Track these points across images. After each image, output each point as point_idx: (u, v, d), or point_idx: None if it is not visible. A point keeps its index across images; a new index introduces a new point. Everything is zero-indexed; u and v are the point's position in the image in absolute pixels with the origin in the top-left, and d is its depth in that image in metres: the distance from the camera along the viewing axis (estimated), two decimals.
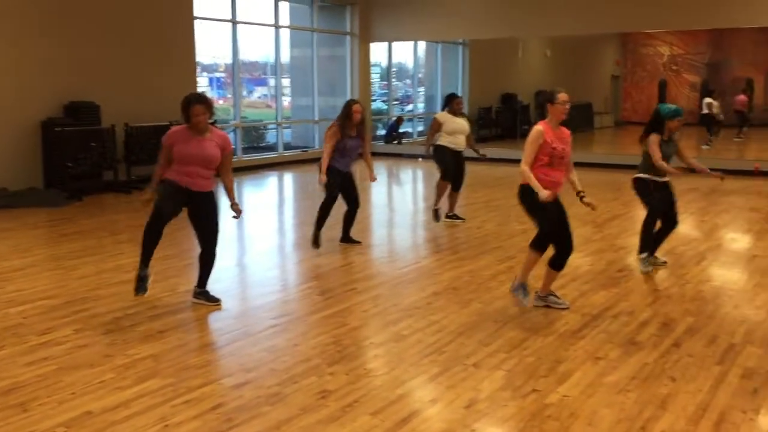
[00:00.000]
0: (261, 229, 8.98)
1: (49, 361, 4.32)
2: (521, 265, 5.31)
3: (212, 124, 13.42)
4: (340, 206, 7.26)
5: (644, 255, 6.26)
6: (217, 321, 5.18)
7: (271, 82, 16.29)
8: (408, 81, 20.84)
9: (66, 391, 3.90)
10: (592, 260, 6.86)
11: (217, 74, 18.54)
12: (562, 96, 4.92)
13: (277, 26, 15.37)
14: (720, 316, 5.20)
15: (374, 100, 19.18)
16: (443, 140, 8.38)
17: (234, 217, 5.45)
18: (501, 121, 20.50)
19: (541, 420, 3.58)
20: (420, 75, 20.73)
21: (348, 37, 17.11)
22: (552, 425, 3.52)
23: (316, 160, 7.99)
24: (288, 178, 13.83)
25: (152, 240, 5.19)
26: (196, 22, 13.11)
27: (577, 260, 6.77)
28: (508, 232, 8.10)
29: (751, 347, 4.55)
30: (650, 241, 6.35)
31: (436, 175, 8.67)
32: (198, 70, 14.45)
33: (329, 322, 5.10)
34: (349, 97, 17.11)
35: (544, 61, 22.71)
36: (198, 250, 5.42)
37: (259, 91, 20.47)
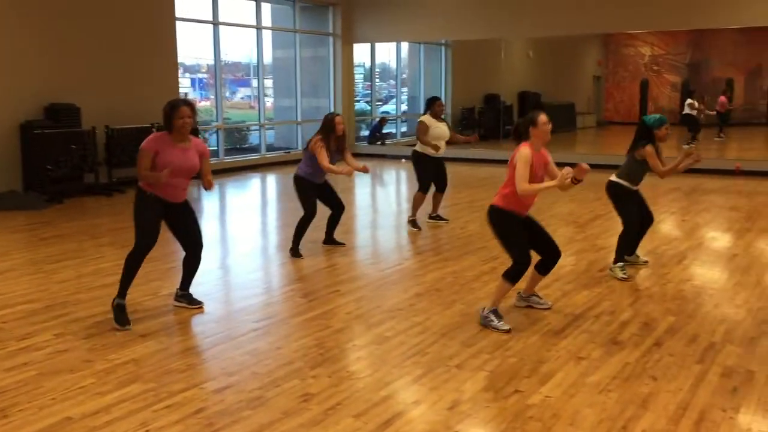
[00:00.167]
0: (244, 231, 8.94)
1: (29, 367, 4.28)
2: (491, 294, 5.16)
3: (194, 131, 13.38)
4: (324, 209, 7.24)
5: (620, 264, 6.29)
6: (199, 324, 5.15)
7: (254, 83, 16.24)
8: (392, 81, 20.85)
9: (46, 397, 3.86)
10: (574, 260, 6.90)
11: (200, 75, 18.48)
12: (543, 117, 4.92)
13: (259, 27, 15.33)
14: (700, 315, 5.24)
15: (358, 101, 19.18)
16: (423, 147, 8.32)
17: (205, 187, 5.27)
18: (484, 121, 20.55)
19: (523, 421, 3.59)
20: (404, 76, 20.75)
21: (330, 38, 17.09)
22: (534, 426, 3.53)
23: (299, 161, 7.95)
24: (271, 179, 13.79)
25: (136, 270, 5.05)
26: (178, 23, 13.04)
27: (559, 260, 6.81)
28: (492, 233, 8.09)
29: (731, 346, 4.59)
30: (625, 252, 6.38)
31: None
32: (180, 71, 14.39)
33: (312, 324, 5.09)
34: (332, 97, 17.13)
35: (526, 61, 22.80)
36: (181, 253, 5.39)
37: (242, 92, 20.42)
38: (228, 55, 17.00)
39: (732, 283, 6.12)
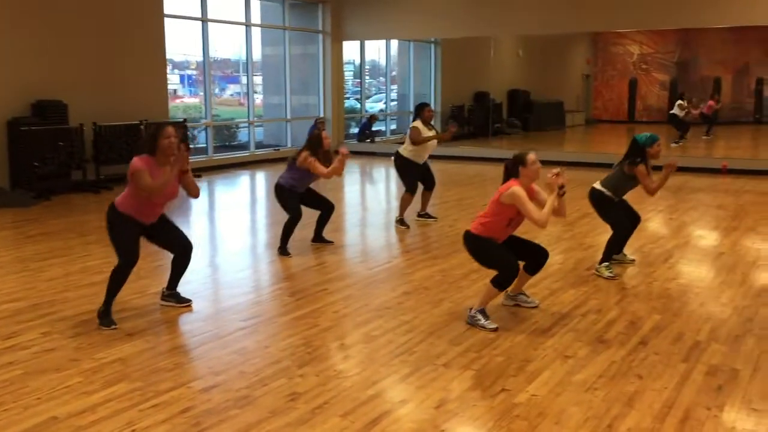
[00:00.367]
0: (232, 229, 8.92)
1: (14, 366, 4.26)
2: (479, 294, 5.16)
3: (183, 121, 13.29)
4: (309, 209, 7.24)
5: (606, 263, 6.31)
6: (186, 323, 5.14)
7: (244, 80, 16.20)
8: (382, 79, 20.85)
9: (32, 396, 3.85)
10: (561, 259, 6.92)
11: (189, 72, 18.42)
12: (532, 156, 4.96)
13: (248, 24, 15.29)
14: (686, 313, 5.27)
15: (348, 98, 19.16)
16: (409, 152, 8.33)
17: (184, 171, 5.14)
18: (473, 119, 20.60)
19: (509, 419, 3.60)
20: (393, 73, 20.75)
21: (320, 35, 17.07)
22: (520, 425, 3.55)
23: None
24: (260, 177, 13.76)
25: (122, 284, 5.02)
26: (167, 20, 12.98)
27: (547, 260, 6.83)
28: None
29: (716, 344, 4.62)
30: (613, 252, 6.41)
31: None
32: (169, 67, 14.33)
33: (300, 323, 5.09)
34: (321, 95, 17.11)
35: (516, 60, 22.86)
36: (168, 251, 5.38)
37: (232, 89, 20.37)
38: (217, 51, 16.97)
39: (718, 281, 6.17)
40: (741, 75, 26.22)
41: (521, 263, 5.07)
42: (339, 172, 6.99)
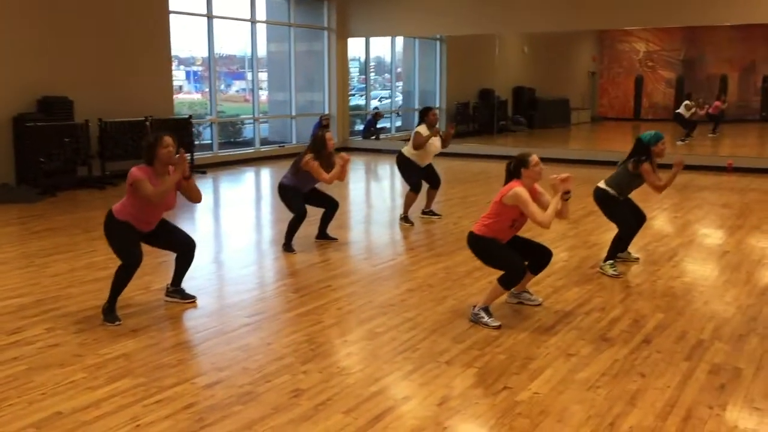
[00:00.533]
0: (237, 226, 8.94)
1: (19, 361, 4.28)
2: (484, 292, 5.16)
3: (189, 118, 13.32)
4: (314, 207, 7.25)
5: (610, 261, 6.31)
6: (190, 319, 5.16)
7: (249, 76, 16.21)
8: (387, 75, 20.84)
9: (36, 392, 3.87)
10: (566, 256, 6.92)
11: (195, 68, 18.42)
12: (534, 158, 4.95)
13: (253, 21, 15.30)
14: (690, 312, 5.27)
15: (353, 95, 19.16)
16: (412, 155, 8.32)
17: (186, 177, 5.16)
18: (478, 116, 20.60)
19: (511, 417, 3.61)
20: (399, 70, 20.74)
21: (325, 32, 17.07)
22: (522, 422, 3.55)
23: (294, 155, 7.96)
24: (265, 173, 13.78)
25: (126, 283, 5.03)
26: (172, 16, 13.00)
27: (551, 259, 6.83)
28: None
29: (719, 343, 4.62)
30: (618, 251, 6.41)
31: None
32: (175, 63, 14.36)
33: (303, 320, 5.10)
34: (327, 92, 17.11)
35: (521, 57, 22.82)
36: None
37: (237, 85, 20.37)
38: (223, 48, 16.96)
39: (722, 280, 6.16)
40: (747, 73, 26.14)
41: (525, 262, 5.07)
42: (341, 178, 6.99)
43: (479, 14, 15.79)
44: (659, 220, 8.82)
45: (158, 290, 5.63)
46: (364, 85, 19.59)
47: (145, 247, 5.12)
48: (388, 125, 19.73)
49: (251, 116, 15.91)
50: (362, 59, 19.46)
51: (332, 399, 3.80)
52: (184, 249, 5.31)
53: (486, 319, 4.93)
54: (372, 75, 19.99)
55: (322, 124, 14.80)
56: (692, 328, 4.92)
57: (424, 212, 8.80)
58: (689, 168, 13.50)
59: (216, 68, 14.66)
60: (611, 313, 5.22)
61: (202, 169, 13.22)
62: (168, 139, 4.96)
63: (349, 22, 17.14)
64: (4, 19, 10.37)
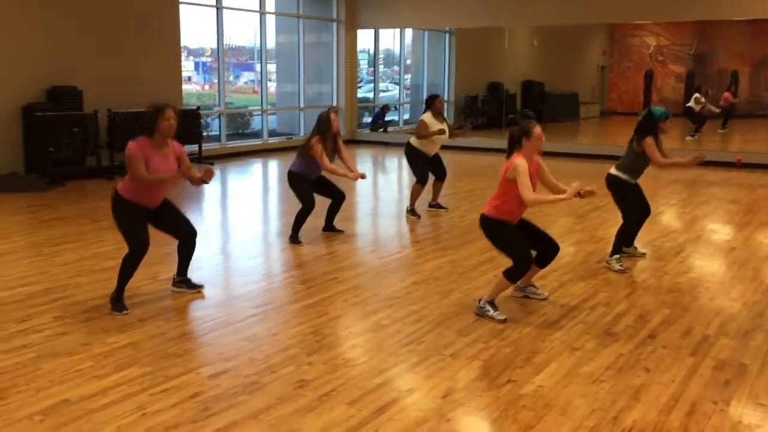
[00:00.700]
0: (245, 217, 8.97)
1: (27, 349, 4.32)
2: (490, 286, 5.16)
3: (197, 109, 13.35)
4: (323, 198, 7.26)
5: (616, 256, 6.30)
6: (197, 310, 5.19)
7: (258, 67, 16.21)
8: (396, 68, 20.81)
9: (44, 379, 3.91)
10: (572, 251, 6.92)
11: (204, 59, 18.43)
12: (538, 130, 4.93)
13: (262, 12, 15.29)
14: (696, 307, 5.26)
15: (360, 86, 19.13)
16: (418, 144, 8.31)
17: (205, 180, 5.25)
18: (487, 109, 20.56)
19: (515, 410, 3.62)
20: (408, 62, 20.70)
21: (334, 24, 17.05)
22: (526, 415, 3.57)
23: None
24: (273, 165, 13.80)
25: (133, 271, 5.06)
26: (181, 7, 13.01)
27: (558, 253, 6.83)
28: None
29: (725, 339, 4.62)
30: (623, 244, 6.40)
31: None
32: (184, 54, 14.37)
33: (310, 311, 5.12)
34: (335, 84, 17.10)
35: (531, 50, 22.75)
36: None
37: (246, 77, 20.38)
38: (232, 39, 16.97)
39: (729, 276, 6.15)
40: (759, 68, 25.96)
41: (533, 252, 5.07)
42: (349, 177, 6.96)
43: (489, 7, 15.74)
44: (667, 216, 8.80)
45: (165, 280, 5.66)
46: (372, 78, 19.58)
47: (153, 238, 5.15)
48: (396, 118, 19.71)
49: (259, 108, 15.93)
50: (371, 51, 19.44)
51: (337, 390, 3.83)
52: (186, 237, 5.32)
53: (492, 312, 4.94)
54: (381, 67, 19.97)
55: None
56: (698, 323, 4.91)
57: (431, 205, 8.81)
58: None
59: (225, 59, 14.67)
60: (617, 308, 5.22)
61: (210, 160, 13.25)
62: (170, 112, 4.96)
63: (359, 14, 17.11)
64: (15, 10, 10.40)
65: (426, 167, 8.43)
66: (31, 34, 10.59)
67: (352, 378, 3.98)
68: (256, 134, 16.11)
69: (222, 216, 9.18)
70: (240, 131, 16.35)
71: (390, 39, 20.22)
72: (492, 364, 4.19)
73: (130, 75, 11.95)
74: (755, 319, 5.01)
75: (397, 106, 19.91)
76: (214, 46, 14.63)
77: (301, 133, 16.34)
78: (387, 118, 18.32)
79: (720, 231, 8.07)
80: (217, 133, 14.69)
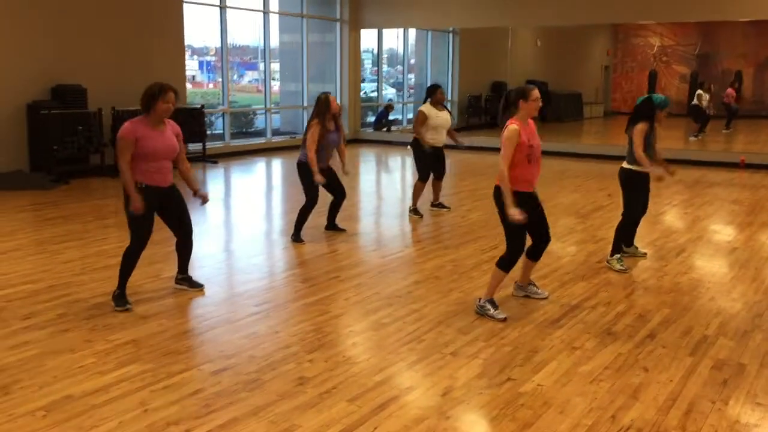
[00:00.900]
0: (247, 216, 9.01)
1: (30, 346, 4.36)
2: (487, 284, 5.17)
3: (201, 108, 13.37)
4: (325, 195, 7.28)
5: (617, 256, 6.31)
6: (199, 307, 5.22)
7: (262, 66, 16.25)
8: (399, 67, 20.83)
9: (47, 375, 3.94)
10: (573, 251, 6.94)
11: (208, 58, 18.47)
12: (535, 93, 4.92)
13: (266, 11, 15.33)
14: (696, 308, 5.28)
15: (364, 84, 19.14)
16: (424, 136, 8.33)
17: (202, 203, 5.42)
18: (491, 109, 20.56)
19: (514, 408, 3.65)
20: (412, 62, 20.72)
21: (338, 23, 17.08)
22: (525, 413, 3.59)
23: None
24: (276, 164, 13.84)
25: (134, 265, 5.09)
26: (185, 6, 13.06)
27: (558, 251, 6.86)
28: (494, 222, 8.10)
29: (724, 339, 4.63)
30: (622, 242, 6.40)
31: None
32: (189, 53, 14.41)
33: (311, 309, 5.15)
34: (338, 83, 17.14)
35: (534, 50, 22.76)
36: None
37: (250, 75, 20.42)
38: (236, 38, 17.01)
39: (730, 276, 6.16)
40: (763, 68, 25.94)
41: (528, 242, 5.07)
42: (312, 167, 6.90)
43: (492, 7, 15.75)
44: (669, 216, 8.81)
45: (168, 278, 5.70)
46: (375, 77, 19.60)
47: (155, 237, 5.18)
48: (399, 117, 19.72)
49: (263, 107, 15.96)
50: (375, 51, 19.46)
51: (337, 387, 3.85)
52: (182, 235, 5.34)
53: (492, 311, 4.96)
54: (384, 67, 19.98)
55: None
56: (697, 323, 4.93)
57: (433, 205, 8.83)
58: (701, 164, 13.49)
59: (229, 58, 14.71)
60: (617, 308, 5.24)
61: (213, 158, 13.29)
62: (172, 96, 4.95)
63: (362, 14, 17.14)
64: (20, 10, 10.45)
65: (431, 165, 8.42)
66: (36, 33, 10.64)
67: (353, 375, 4.01)
68: (260, 133, 16.15)
69: (225, 214, 9.22)
70: (244, 130, 16.39)
71: (394, 39, 20.25)
72: (492, 363, 4.22)
73: (134, 73, 11.96)
74: (755, 320, 5.02)
75: (402, 105, 19.93)
76: (219, 45, 14.67)
77: None
78: (390, 118, 18.34)
79: (722, 231, 8.08)
80: (221, 131, 14.73)
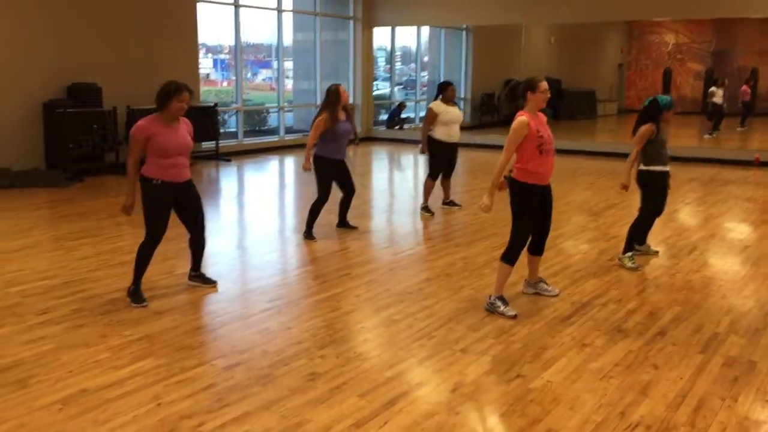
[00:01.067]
0: (260, 213, 9.06)
1: (47, 340, 4.42)
2: (494, 281, 5.19)
3: (214, 106, 13.43)
4: (336, 192, 7.32)
5: (629, 254, 6.30)
6: (212, 303, 5.28)
7: (276, 65, 16.31)
8: (412, 65, 20.83)
9: (63, 369, 4.00)
10: (586, 248, 6.94)
11: (222, 56, 18.57)
12: (543, 84, 4.94)
13: (279, 10, 15.38)
14: (707, 305, 5.27)
15: (384, 80, 19.13)
16: (438, 133, 8.30)
17: None
18: (503, 107, 20.51)
19: (524, 404, 3.67)
20: (425, 59, 20.72)
21: (351, 21, 17.11)
22: (534, 409, 3.61)
23: (315, 145, 8.04)
24: (289, 162, 13.89)
25: (148, 261, 5.16)
26: (199, 4, 13.13)
27: (570, 248, 6.88)
28: (505, 219, 8.10)
29: (735, 336, 4.63)
30: (635, 240, 6.40)
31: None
32: (203, 51, 14.50)
33: (322, 306, 5.19)
34: (351, 81, 17.16)
35: (548, 47, 22.67)
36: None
37: (264, 74, 20.50)
38: (249, 36, 17.09)
39: (742, 274, 6.14)
40: None
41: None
42: (307, 151, 7.04)
43: (506, 4, 15.73)
44: (682, 214, 8.78)
45: (181, 274, 5.76)
46: (388, 75, 19.61)
47: (169, 234, 5.23)
48: (412, 115, 19.74)
49: (276, 105, 16.03)
50: (388, 49, 19.48)
51: (348, 383, 3.89)
52: (194, 232, 5.41)
53: (502, 308, 4.98)
54: (398, 65, 19.99)
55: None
56: (708, 321, 4.93)
57: (444, 203, 8.84)
58: (715, 161, 13.42)
59: (242, 56, 14.78)
60: (627, 305, 5.25)
61: (226, 157, 13.37)
62: (186, 95, 5.01)
63: (375, 12, 17.16)
64: (35, 8, 10.55)
65: (443, 162, 8.44)
66: (52, 33, 10.74)
67: (363, 371, 4.05)
68: (273, 131, 16.21)
69: (238, 212, 9.28)
70: (257, 128, 16.46)
71: (407, 37, 20.25)
72: (501, 359, 4.24)
73: (148, 72, 12.05)
74: (766, 317, 5.01)
75: (414, 103, 19.94)
76: (232, 43, 14.75)
77: None
78: (403, 116, 18.35)
79: (735, 229, 8.05)
80: (235, 130, 14.80)
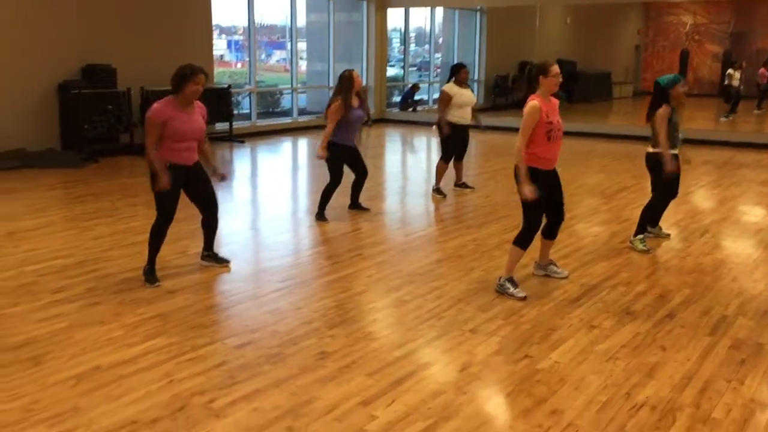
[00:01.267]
0: (273, 195, 9.11)
1: (61, 318, 4.50)
2: (505, 263, 5.19)
3: (228, 87, 13.45)
4: (348, 174, 7.35)
5: (640, 236, 6.29)
6: (224, 283, 5.34)
7: (289, 46, 16.29)
8: (426, 47, 20.74)
9: (77, 347, 4.08)
10: (597, 231, 6.94)
11: (236, 37, 18.57)
12: (555, 68, 4.93)
13: None
14: (717, 288, 5.27)
15: (391, 65, 19.09)
16: (451, 115, 8.28)
17: (221, 181, 5.55)
18: (517, 89, 20.40)
19: (530, 384, 3.71)
20: (439, 41, 20.61)
21: (365, 2, 17.04)
22: (540, 389, 3.65)
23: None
24: (302, 143, 13.92)
25: (161, 242, 5.21)
26: None
27: (581, 231, 6.88)
28: (517, 201, 8.10)
29: (743, 319, 4.64)
30: (647, 223, 6.38)
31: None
32: (217, 32, 14.49)
33: (333, 286, 5.24)
34: (365, 63, 17.12)
35: (563, 28, 22.49)
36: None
37: (278, 55, 20.48)
38: (264, 17, 17.05)
39: (753, 257, 6.13)
40: None
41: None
42: (323, 139, 7.01)
43: None
44: (695, 196, 8.74)
45: (194, 254, 5.82)
46: (402, 56, 19.54)
47: (181, 214, 5.29)
48: (425, 97, 19.68)
49: (290, 86, 16.03)
50: (402, 30, 19.39)
51: (356, 362, 3.94)
52: (207, 212, 5.45)
53: (512, 289, 5.01)
54: (412, 46, 19.90)
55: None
56: (718, 303, 4.93)
57: (456, 185, 8.85)
58: (731, 144, 13.32)
59: (256, 38, 14.77)
60: (637, 288, 5.26)
61: (240, 138, 13.41)
62: (202, 78, 5.03)
63: None
64: None
65: (456, 146, 8.44)
66: (66, 14, 10.79)
67: (372, 351, 4.09)
68: (286, 113, 16.23)
69: (252, 193, 9.33)
70: (270, 110, 16.48)
71: (421, 18, 20.14)
72: (510, 340, 4.27)
73: (162, 53, 12.08)
74: None
75: (428, 85, 19.87)
76: (246, 24, 14.73)
77: None
78: (416, 97, 18.30)
79: (748, 213, 8.01)
80: (248, 111, 14.83)
